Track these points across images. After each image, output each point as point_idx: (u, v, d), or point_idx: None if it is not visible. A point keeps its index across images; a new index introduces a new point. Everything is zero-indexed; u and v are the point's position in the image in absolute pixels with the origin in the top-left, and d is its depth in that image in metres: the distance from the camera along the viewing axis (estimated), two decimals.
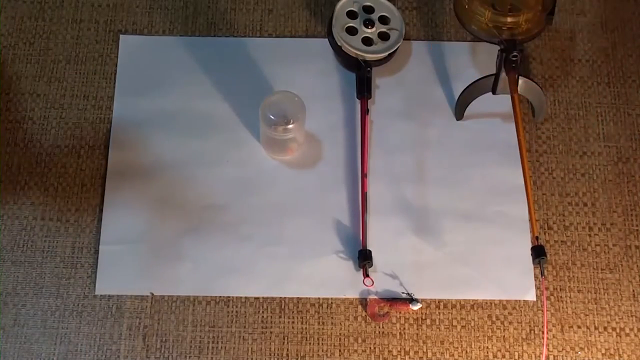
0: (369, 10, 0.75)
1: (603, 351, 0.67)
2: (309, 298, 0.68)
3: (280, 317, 0.68)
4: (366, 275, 0.68)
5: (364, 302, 0.68)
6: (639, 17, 0.79)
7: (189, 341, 0.67)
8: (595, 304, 0.69)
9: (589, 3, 0.80)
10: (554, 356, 0.67)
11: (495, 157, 0.73)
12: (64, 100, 0.75)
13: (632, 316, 0.68)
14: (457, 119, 0.75)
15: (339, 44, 0.74)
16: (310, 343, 0.67)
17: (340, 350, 0.67)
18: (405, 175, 0.72)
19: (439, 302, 0.68)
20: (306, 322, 0.68)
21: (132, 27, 0.78)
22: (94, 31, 0.78)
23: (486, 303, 0.68)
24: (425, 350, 0.67)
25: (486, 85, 0.72)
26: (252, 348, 0.67)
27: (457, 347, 0.67)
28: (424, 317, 0.68)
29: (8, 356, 0.66)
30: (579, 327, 0.68)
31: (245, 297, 0.68)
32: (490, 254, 0.70)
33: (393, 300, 0.68)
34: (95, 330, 0.67)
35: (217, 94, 0.75)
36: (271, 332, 0.67)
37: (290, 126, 0.67)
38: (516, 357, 0.67)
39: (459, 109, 0.74)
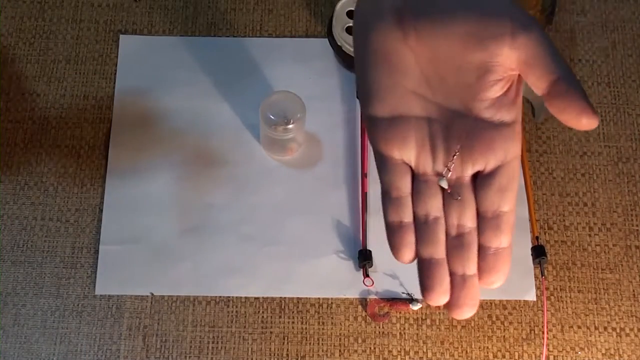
0: None
1: (603, 351, 0.67)
2: (309, 298, 0.68)
3: (280, 317, 0.68)
4: (366, 275, 0.68)
5: (364, 302, 0.68)
6: (639, 17, 0.79)
7: (189, 341, 0.67)
8: (595, 304, 0.69)
9: (589, 3, 0.80)
10: (554, 356, 0.67)
11: None
12: (64, 100, 0.75)
13: (632, 316, 0.68)
14: None
15: (339, 44, 0.74)
16: (310, 343, 0.67)
17: (340, 350, 0.67)
18: None
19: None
20: (306, 322, 0.68)
21: (132, 27, 0.78)
22: (94, 31, 0.78)
23: (486, 303, 0.68)
24: (425, 350, 0.67)
25: None
26: (252, 348, 0.67)
27: (457, 347, 0.67)
28: (424, 317, 0.68)
29: (8, 356, 0.66)
30: (579, 327, 0.68)
31: (245, 297, 0.68)
32: None
33: (393, 300, 0.68)
34: (95, 330, 0.67)
35: (217, 94, 0.75)
36: (271, 332, 0.67)
37: (290, 126, 0.67)
38: (516, 357, 0.67)
39: None
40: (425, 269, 0.42)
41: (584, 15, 0.79)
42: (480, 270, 0.41)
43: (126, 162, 0.72)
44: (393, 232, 0.42)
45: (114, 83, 0.75)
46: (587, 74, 0.77)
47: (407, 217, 0.42)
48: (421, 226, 0.42)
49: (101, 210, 0.71)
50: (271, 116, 0.67)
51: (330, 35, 0.75)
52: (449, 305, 0.42)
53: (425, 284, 0.41)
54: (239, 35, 0.78)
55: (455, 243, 0.42)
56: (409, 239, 0.42)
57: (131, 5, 0.79)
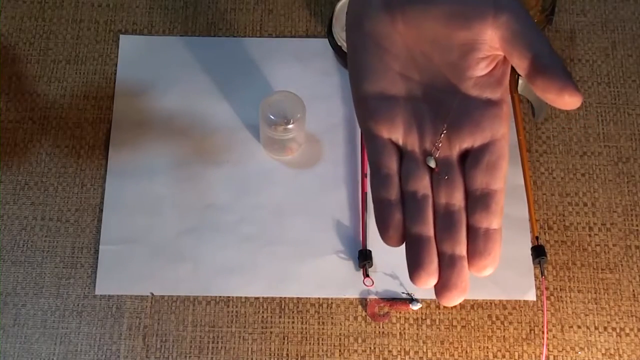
0: None
1: (603, 351, 0.67)
2: (309, 298, 0.68)
3: (280, 317, 0.68)
4: (366, 275, 0.68)
5: (364, 302, 0.68)
6: (639, 17, 0.79)
7: (189, 341, 0.67)
8: (595, 304, 0.69)
9: (589, 3, 0.80)
10: (554, 356, 0.67)
11: None
12: (64, 100, 0.75)
13: (632, 316, 0.68)
14: None
15: (338, 44, 0.74)
16: (310, 343, 0.67)
17: (340, 350, 0.67)
18: None
19: (439, 302, 0.68)
20: (306, 322, 0.68)
21: (132, 27, 0.78)
22: (94, 31, 0.78)
23: (486, 303, 0.68)
24: (425, 350, 0.67)
25: None
26: (252, 348, 0.67)
27: (457, 347, 0.67)
28: (424, 317, 0.68)
29: (8, 356, 0.66)
30: (579, 327, 0.68)
31: (245, 297, 0.68)
32: None
33: (393, 300, 0.68)
34: (95, 330, 0.67)
35: (217, 93, 0.75)
36: (271, 332, 0.67)
37: (290, 126, 0.67)
38: (516, 357, 0.67)
39: None
40: (414, 246, 0.41)
41: (584, 15, 0.79)
42: (471, 254, 0.40)
43: (126, 162, 0.72)
44: (381, 211, 0.42)
45: (114, 83, 0.75)
46: (587, 74, 0.77)
47: (395, 195, 0.42)
48: (410, 203, 0.42)
49: (101, 210, 0.71)
50: (271, 116, 0.67)
51: (330, 35, 0.75)
52: (438, 289, 0.40)
53: (414, 261, 0.40)
54: (239, 35, 0.78)
55: (444, 221, 0.41)
56: (397, 218, 0.42)
57: (131, 5, 0.79)
